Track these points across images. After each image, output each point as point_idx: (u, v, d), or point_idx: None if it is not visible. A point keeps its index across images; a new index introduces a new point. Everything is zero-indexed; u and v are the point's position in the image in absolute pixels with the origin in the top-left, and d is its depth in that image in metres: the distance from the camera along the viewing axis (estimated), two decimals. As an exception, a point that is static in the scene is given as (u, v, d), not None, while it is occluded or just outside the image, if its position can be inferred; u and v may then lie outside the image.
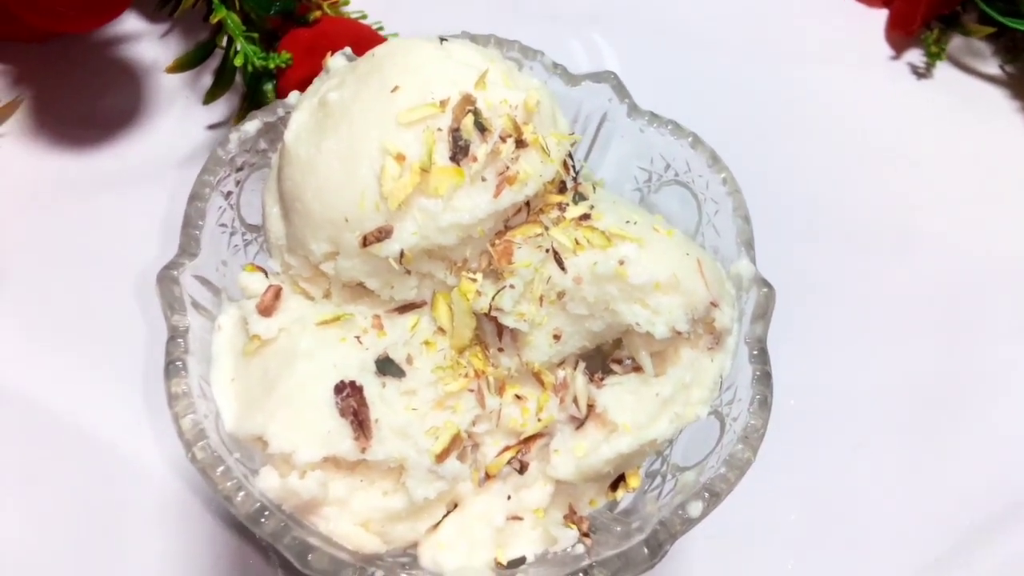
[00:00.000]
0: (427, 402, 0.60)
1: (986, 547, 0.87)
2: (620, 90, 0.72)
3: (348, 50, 0.70)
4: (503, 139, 0.59)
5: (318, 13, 0.97)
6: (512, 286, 0.61)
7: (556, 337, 0.62)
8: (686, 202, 0.72)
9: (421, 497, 0.59)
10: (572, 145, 0.68)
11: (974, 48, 1.22)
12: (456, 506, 0.63)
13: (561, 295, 0.61)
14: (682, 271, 0.61)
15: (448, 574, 0.59)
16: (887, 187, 1.09)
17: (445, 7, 1.14)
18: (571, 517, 0.64)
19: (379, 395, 0.59)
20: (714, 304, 0.63)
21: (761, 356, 0.63)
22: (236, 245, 0.69)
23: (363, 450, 0.58)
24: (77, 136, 1.00)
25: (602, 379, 0.65)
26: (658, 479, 0.66)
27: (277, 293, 0.63)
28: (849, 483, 0.89)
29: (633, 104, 0.73)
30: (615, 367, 0.65)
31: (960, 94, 1.19)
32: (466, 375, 0.62)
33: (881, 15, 1.23)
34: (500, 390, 0.63)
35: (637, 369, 0.64)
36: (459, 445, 0.60)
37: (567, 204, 0.64)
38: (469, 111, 0.59)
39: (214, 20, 0.90)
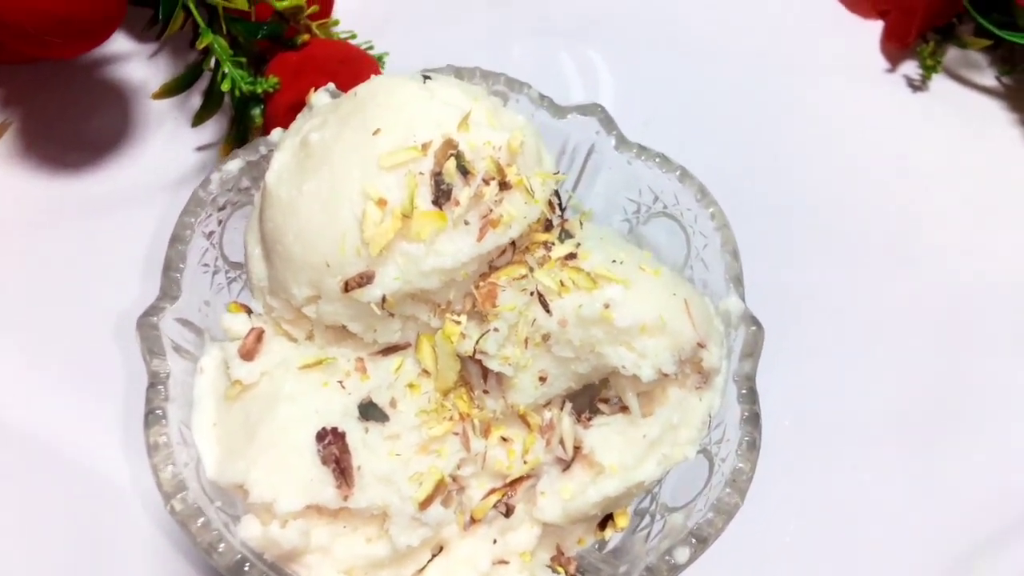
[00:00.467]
0: (411, 447, 0.60)
1: (988, 563, 0.86)
2: (607, 123, 0.71)
3: (332, 86, 0.69)
4: (486, 182, 0.59)
5: (306, 36, 0.96)
6: (496, 329, 0.60)
7: (542, 379, 0.62)
8: (675, 234, 0.71)
9: (404, 545, 0.58)
10: (559, 183, 0.68)
11: (970, 60, 1.21)
12: (441, 549, 0.62)
13: (546, 337, 0.60)
14: (668, 312, 0.60)
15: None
16: (884, 200, 1.08)
17: (435, 25, 1.13)
18: (558, 559, 0.63)
19: (362, 441, 0.59)
20: (701, 345, 0.62)
21: (750, 396, 0.63)
22: (220, 284, 0.68)
23: (345, 498, 0.58)
24: (65, 159, 0.99)
25: (589, 419, 0.64)
26: (647, 518, 0.65)
27: (259, 336, 0.63)
28: (848, 501, 0.88)
29: (621, 136, 0.72)
30: (602, 407, 0.65)
31: (956, 106, 1.17)
32: (451, 418, 0.61)
33: (876, 27, 1.22)
34: (485, 432, 0.63)
35: (624, 409, 0.64)
36: (443, 491, 0.59)
37: (553, 243, 0.63)
38: (451, 155, 0.58)
39: (200, 46, 0.89)
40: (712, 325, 0.65)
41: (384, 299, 0.59)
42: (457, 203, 0.58)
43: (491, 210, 0.59)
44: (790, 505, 0.87)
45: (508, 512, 0.62)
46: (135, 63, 1.07)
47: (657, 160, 0.70)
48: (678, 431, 0.63)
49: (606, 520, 0.66)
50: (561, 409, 0.63)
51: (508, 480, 0.62)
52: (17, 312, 0.89)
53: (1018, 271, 1.05)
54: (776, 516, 0.86)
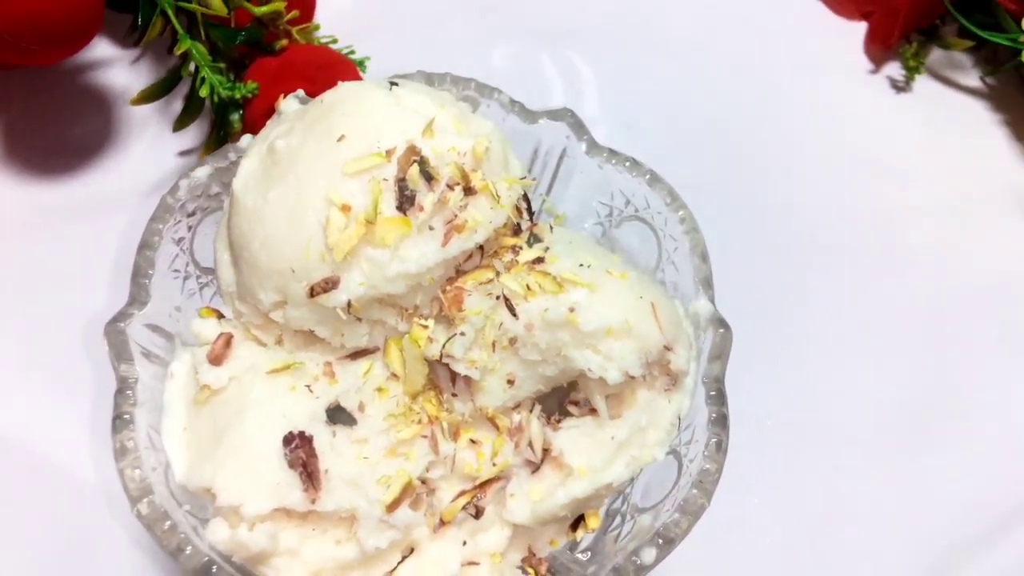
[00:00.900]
0: (379, 450, 0.60)
1: (967, 564, 0.87)
2: (578, 127, 0.72)
3: (301, 93, 0.69)
4: (450, 187, 0.59)
5: (285, 41, 0.96)
6: (463, 333, 0.60)
7: (510, 382, 0.62)
8: (646, 238, 0.71)
9: (373, 547, 0.59)
10: (532, 187, 0.68)
11: (954, 60, 1.22)
12: (412, 551, 0.62)
13: (513, 341, 0.61)
14: (634, 316, 0.61)
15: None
16: (867, 201, 1.09)
17: (417, 30, 1.14)
18: (529, 560, 0.64)
19: (329, 444, 0.59)
20: (668, 347, 0.62)
21: (718, 398, 0.63)
22: (191, 289, 0.68)
23: (313, 501, 0.58)
24: (47, 164, 1.00)
25: (558, 421, 0.64)
26: (618, 519, 0.65)
27: (228, 341, 0.63)
28: (830, 501, 0.89)
29: (592, 141, 0.72)
30: (571, 409, 0.65)
31: (940, 106, 1.18)
32: (419, 421, 0.61)
33: (860, 29, 1.22)
34: (455, 435, 0.63)
35: (593, 411, 0.64)
36: (411, 494, 0.60)
37: (521, 247, 0.63)
38: (415, 161, 0.58)
39: (179, 51, 0.89)
40: (680, 328, 0.65)
41: (350, 304, 0.59)
42: (421, 209, 0.58)
43: (456, 215, 0.59)
44: (773, 506, 0.87)
45: (478, 514, 0.62)
46: (116, 69, 1.07)
47: (627, 164, 0.70)
48: (647, 433, 0.63)
49: (578, 521, 0.66)
50: (530, 412, 0.64)
51: (478, 482, 0.63)
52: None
53: (999, 271, 1.05)
54: (759, 517, 0.87)
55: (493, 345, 0.61)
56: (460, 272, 0.62)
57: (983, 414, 0.95)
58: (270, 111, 0.92)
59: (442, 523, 0.62)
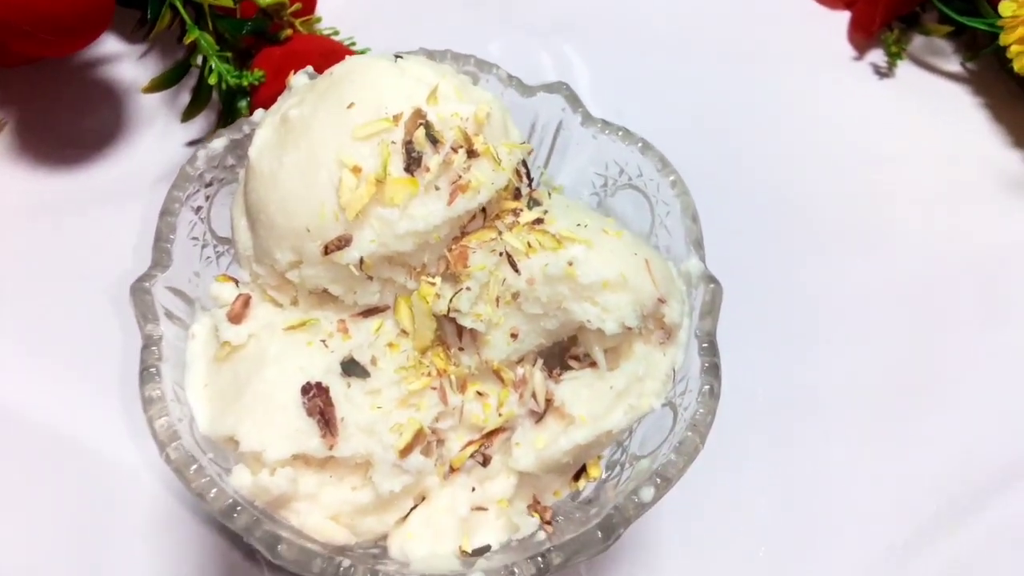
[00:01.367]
0: (391, 400, 0.64)
1: (950, 530, 0.90)
2: (573, 100, 0.76)
3: (310, 68, 0.73)
4: (454, 150, 0.63)
5: (289, 31, 1.00)
6: (468, 288, 0.64)
7: (513, 336, 0.65)
8: (640, 205, 0.75)
9: (387, 491, 0.62)
10: (529, 154, 0.72)
11: (935, 47, 1.26)
12: (423, 499, 0.66)
13: (516, 296, 0.64)
14: (630, 270, 0.64)
15: (415, 562, 0.62)
16: (853, 184, 1.13)
17: (416, 22, 1.18)
18: (534, 507, 0.67)
19: (344, 395, 0.63)
20: (662, 300, 0.66)
21: (710, 349, 0.66)
22: (208, 257, 0.72)
23: (330, 447, 0.61)
24: (60, 156, 1.03)
25: (560, 375, 0.68)
26: (618, 468, 0.69)
27: (246, 301, 0.67)
28: (819, 471, 0.92)
29: (587, 113, 0.76)
30: (572, 363, 0.68)
31: (922, 92, 1.22)
32: (428, 374, 0.65)
33: (843, 18, 1.26)
34: (462, 388, 0.67)
35: (593, 364, 0.68)
36: (422, 440, 0.63)
37: (522, 210, 0.67)
38: (420, 124, 0.62)
39: (187, 41, 0.93)
40: (673, 283, 0.69)
41: (362, 261, 0.63)
42: (427, 170, 0.62)
43: (460, 176, 0.63)
44: (764, 473, 0.90)
45: (485, 462, 0.65)
46: (125, 63, 1.11)
47: (620, 134, 0.74)
48: (643, 383, 0.67)
49: (580, 472, 0.70)
50: (533, 365, 0.67)
51: (484, 432, 0.66)
52: (14, 299, 0.93)
53: (982, 247, 1.09)
54: (750, 484, 0.90)
55: (497, 300, 0.64)
56: (465, 233, 0.66)
57: (967, 384, 0.98)
58: (276, 98, 0.96)
59: (452, 470, 0.65)
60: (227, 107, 0.98)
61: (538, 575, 0.58)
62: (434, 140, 0.62)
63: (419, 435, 0.63)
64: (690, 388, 0.66)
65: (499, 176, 0.65)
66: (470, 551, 0.63)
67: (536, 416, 0.66)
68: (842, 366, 0.98)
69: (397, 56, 0.67)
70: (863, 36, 1.23)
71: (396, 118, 0.62)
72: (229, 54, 0.95)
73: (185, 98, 1.06)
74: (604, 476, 0.69)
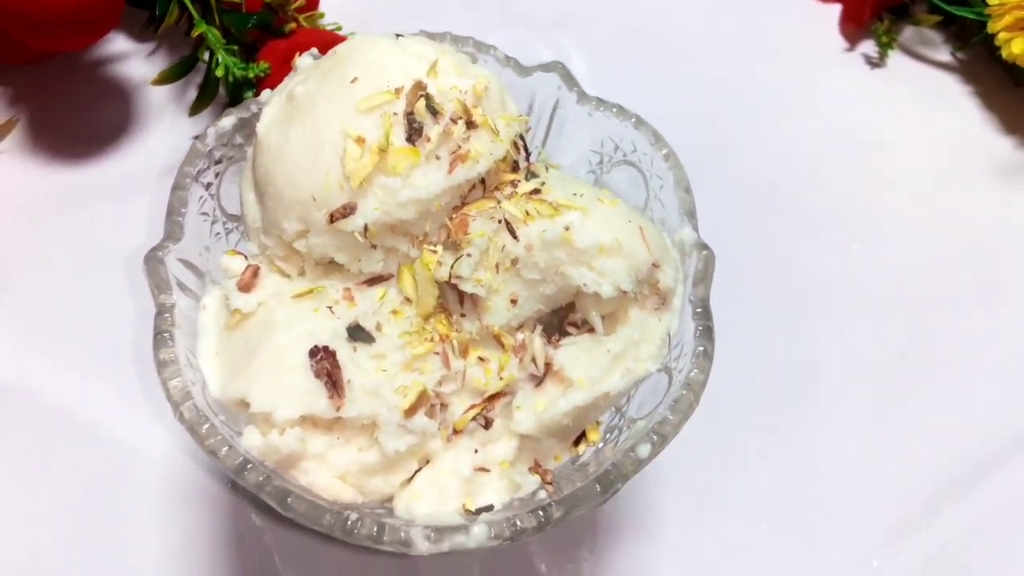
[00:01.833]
0: (396, 364, 0.66)
1: (948, 509, 0.91)
2: (568, 79, 0.78)
3: (315, 50, 0.76)
4: (454, 121, 0.65)
5: (293, 25, 1.03)
6: (469, 254, 0.66)
7: (513, 301, 0.68)
8: (635, 180, 0.78)
9: (393, 450, 0.64)
10: (527, 130, 0.74)
11: (926, 37, 1.28)
12: (427, 462, 0.68)
13: (515, 262, 0.67)
14: (624, 236, 0.67)
15: (420, 519, 0.64)
16: (847, 170, 1.15)
17: (416, 18, 1.20)
18: (535, 469, 0.69)
19: (351, 358, 0.65)
20: (656, 265, 0.68)
21: (704, 314, 0.69)
22: (218, 233, 0.74)
23: (337, 408, 0.64)
24: (71, 150, 1.06)
25: (558, 341, 0.70)
26: (616, 432, 0.71)
27: (255, 272, 0.69)
28: (819, 451, 0.94)
29: (582, 92, 0.79)
30: (570, 330, 0.71)
31: (914, 81, 1.25)
32: (431, 339, 0.67)
33: (834, 10, 1.29)
34: (464, 353, 0.69)
35: (591, 331, 0.70)
36: (426, 402, 0.65)
37: (519, 181, 0.70)
38: (421, 96, 0.65)
39: (195, 34, 0.96)
40: (667, 251, 0.71)
41: (366, 228, 0.66)
42: (428, 140, 0.65)
43: (459, 147, 0.66)
44: (761, 450, 0.92)
45: (487, 424, 0.67)
46: (135, 61, 1.14)
47: (614, 110, 0.77)
48: (639, 347, 0.69)
49: (580, 438, 0.72)
50: (532, 331, 0.69)
51: (486, 396, 0.68)
52: (29, 285, 0.96)
53: (975, 229, 1.11)
54: (747, 461, 0.92)
55: (496, 267, 0.67)
56: (464, 203, 0.69)
57: (964, 362, 1.00)
58: (281, 89, 0.99)
59: (455, 433, 0.68)
60: (233, 100, 1.01)
61: (539, 528, 0.60)
62: (434, 112, 0.65)
63: (423, 396, 0.65)
64: (684, 352, 0.68)
65: (497, 147, 0.67)
66: (473, 510, 0.65)
67: (536, 380, 0.68)
68: (838, 348, 1.00)
69: (398, 36, 0.70)
70: (854, 26, 1.26)
71: (398, 91, 0.65)
72: (235, 47, 0.98)
73: (192, 94, 1.09)
74: (603, 441, 0.71)
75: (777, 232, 1.08)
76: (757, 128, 1.17)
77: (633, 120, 0.76)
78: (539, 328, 0.70)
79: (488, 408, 0.68)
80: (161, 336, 0.63)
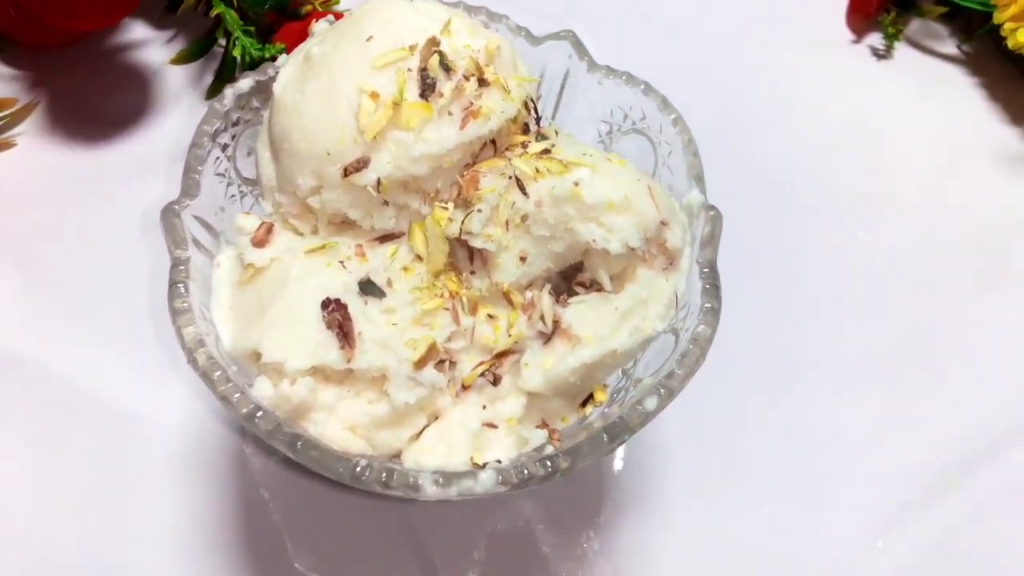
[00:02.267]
0: (406, 319, 0.67)
1: (952, 490, 0.92)
2: (579, 47, 0.80)
3: (331, 17, 0.77)
4: (466, 78, 0.67)
5: (309, 7, 1.05)
6: (480, 210, 0.67)
7: (522, 259, 0.69)
8: (643, 148, 0.79)
9: (402, 402, 0.65)
10: (538, 97, 0.76)
11: (932, 30, 1.30)
12: (436, 419, 0.69)
13: (524, 218, 0.68)
14: (633, 193, 0.68)
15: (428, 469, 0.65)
16: (855, 158, 1.16)
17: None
18: (542, 427, 0.70)
19: (362, 312, 0.66)
20: (664, 223, 0.69)
21: (711, 274, 0.69)
22: (232, 195, 0.76)
23: (348, 360, 0.64)
24: (89, 133, 1.08)
25: (567, 300, 0.71)
26: (622, 393, 0.71)
27: (269, 228, 0.71)
28: (823, 432, 0.94)
29: (592, 61, 0.80)
30: (578, 289, 0.72)
31: (921, 72, 1.26)
32: (441, 295, 0.68)
33: (842, 2, 1.31)
34: (473, 310, 0.70)
35: (599, 291, 0.71)
36: (436, 355, 0.66)
37: (530, 143, 0.71)
38: (435, 52, 0.67)
39: (213, 14, 0.98)
40: (674, 211, 0.72)
41: (379, 182, 0.67)
42: (441, 95, 0.66)
43: (472, 103, 0.67)
44: (769, 435, 0.93)
45: (496, 381, 0.68)
46: (153, 47, 1.16)
47: (623, 78, 0.78)
48: (647, 306, 0.70)
49: (587, 401, 0.73)
50: (541, 290, 0.70)
51: (495, 353, 0.69)
52: (47, 265, 0.98)
53: (980, 218, 1.12)
54: (754, 447, 0.92)
55: (507, 224, 0.68)
56: (476, 162, 0.70)
57: (968, 348, 1.01)
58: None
59: (464, 388, 0.68)
60: (249, 80, 1.02)
61: (546, 476, 0.60)
62: (447, 68, 0.67)
63: (432, 349, 0.66)
64: (691, 312, 0.69)
65: (508, 105, 0.69)
66: (481, 464, 0.66)
67: (544, 337, 0.69)
68: (842, 332, 1.01)
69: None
70: (861, 18, 1.27)
71: (412, 48, 0.67)
72: (252, 28, 1.00)
73: (208, 79, 1.11)
74: (610, 403, 0.72)
75: (785, 220, 1.09)
76: (766, 117, 1.19)
77: (642, 87, 0.78)
78: (548, 286, 0.71)
79: (497, 365, 0.69)
80: (176, 287, 0.64)
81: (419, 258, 0.70)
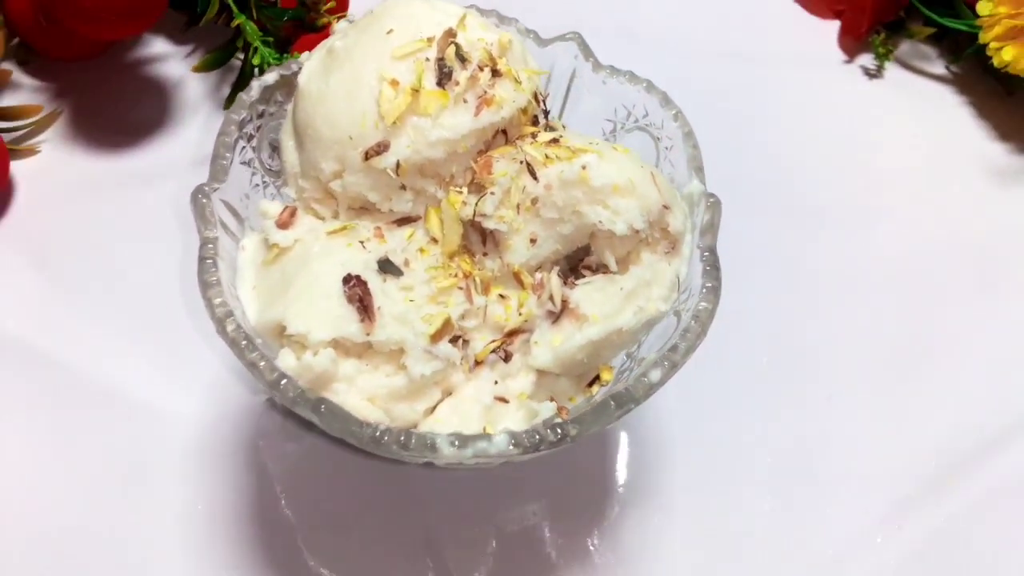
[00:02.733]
0: (422, 296, 0.71)
1: (952, 485, 0.94)
2: (584, 48, 0.84)
3: (351, 14, 0.82)
4: (480, 68, 0.72)
5: (325, 20, 1.10)
6: (492, 193, 0.72)
7: (532, 241, 0.72)
8: (646, 145, 0.83)
9: (419, 374, 0.68)
10: (547, 95, 0.80)
11: (921, 52, 1.34)
12: (450, 395, 0.72)
13: (535, 201, 0.72)
14: (637, 178, 0.72)
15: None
16: (847, 172, 1.20)
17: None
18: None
19: (381, 288, 0.70)
20: (666, 207, 0.73)
21: (711, 258, 0.73)
22: (257, 184, 0.80)
23: (367, 333, 0.68)
24: (111, 141, 1.12)
25: (574, 282, 0.75)
26: (627, 373, 0.75)
27: (293, 212, 0.75)
28: (823, 427, 0.97)
29: (597, 61, 0.85)
30: (585, 272, 0.75)
31: (911, 92, 1.30)
32: (456, 275, 0.72)
33: (833, 26, 1.36)
34: (486, 290, 0.74)
35: (605, 274, 0.74)
36: (450, 330, 0.70)
37: (539, 132, 0.75)
38: (451, 43, 0.71)
39: (234, 24, 1.03)
40: (676, 198, 0.76)
41: (398, 165, 0.71)
42: (457, 83, 0.71)
43: (485, 92, 0.72)
44: (767, 433, 0.95)
45: (507, 358, 0.72)
46: (172, 62, 1.20)
47: (627, 77, 0.83)
48: (651, 288, 0.73)
49: (594, 381, 0.76)
50: (550, 271, 0.74)
51: (506, 331, 0.73)
52: (68, 267, 1.01)
53: (970, 227, 1.15)
54: (753, 444, 0.95)
55: (518, 207, 0.72)
56: (489, 149, 0.74)
57: (963, 348, 1.04)
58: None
59: (476, 364, 0.72)
60: (267, 90, 1.07)
61: (557, 441, 0.63)
62: (462, 59, 0.71)
63: (448, 324, 0.69)
64: (692, 293, 0.73)
65: (519, 95, 0.73)
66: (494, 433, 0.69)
67: (553, 316, 0.72)
68: (841, 330, 1.04)
69: (429, 0, 0.77)
70: (852, 39, 1.32)
71: (430, 40, 0.72)
72: (271, 39, 1.05)
73: (226, 91, 1.15)
74: (615, 383, 0.75)
75: (779, 230, 1.12)
76: (759, 135, 1.22)
77: (644, 85, 0.82)
78: (556, 268, 0.74)
79: (508, 343, 0.72)
80: (205, 262, 0.67)
81: (434, 240, 0.74)
